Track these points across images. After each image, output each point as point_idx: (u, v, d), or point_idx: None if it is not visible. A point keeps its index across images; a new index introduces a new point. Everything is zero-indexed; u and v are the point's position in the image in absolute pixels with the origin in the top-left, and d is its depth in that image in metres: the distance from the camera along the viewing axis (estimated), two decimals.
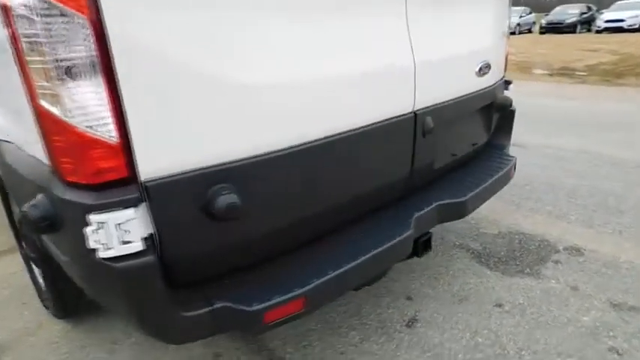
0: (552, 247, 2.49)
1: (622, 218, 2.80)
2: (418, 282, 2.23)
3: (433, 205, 1.72)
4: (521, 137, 4.43)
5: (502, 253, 2.45)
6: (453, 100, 1.78)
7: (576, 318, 1.93)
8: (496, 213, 2.92)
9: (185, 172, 1.07)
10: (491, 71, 1.98)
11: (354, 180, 1.47)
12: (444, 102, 1.73)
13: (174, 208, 1.09)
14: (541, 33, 21.46)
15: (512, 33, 21.75)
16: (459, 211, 1.80)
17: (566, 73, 9.15)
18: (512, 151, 2.28)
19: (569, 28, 20.52)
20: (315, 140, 1.28)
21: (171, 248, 1.12)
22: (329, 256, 1.37)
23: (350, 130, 1.37)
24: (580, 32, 20.50)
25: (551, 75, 9.14)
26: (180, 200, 1.09)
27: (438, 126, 1.71)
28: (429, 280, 2.24)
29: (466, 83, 1.86)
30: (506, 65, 2.31)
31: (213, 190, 1.11)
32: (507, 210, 2.96)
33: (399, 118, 1.54)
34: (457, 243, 2.58)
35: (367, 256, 1.38)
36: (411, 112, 1.58)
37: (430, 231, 1.78)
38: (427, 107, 1.65)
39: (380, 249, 1.42)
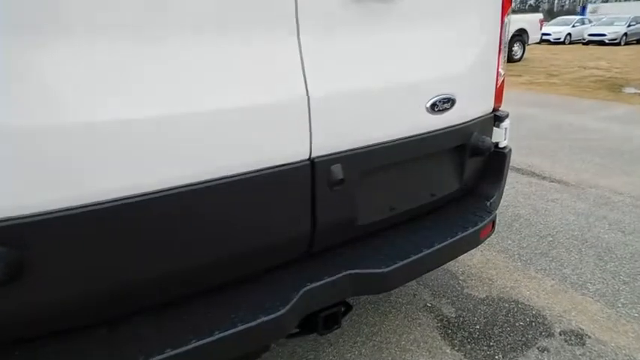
0: (546, 328, 1.97)
1: None
2: (357, 350, 1.86)
3: (340, 275, 1.37)
4: (565, 173, 3.76)
5: (477, 327, 1.99)
6: (385, 143, 1.42)
7: None
8: (495, 268, 2.42)
9: None
10: (457, 107, 1.57)
11: (202, 244, 1.17)
12: (367, 147, 1.37)
13: None
14: None
15: (617, 44, 19.42)
16: (376, 285, 1.43)
17: None
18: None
19: None
20: (127, 197, 1.02)
21: None
22: (142, 338, 1.10)
23: (188, 185, 1.08)
24: None
25: None
26: None
27: (358, 175, 1.37)
28: (372, 350, 1.86)
29: (408, 122, 1.47)
30: (499, 96, 1.85)
31: None
32: (510, 267, 2.44)
33: (283, 168, 1.22)
34: (429, 304, 2.15)
35: (195, 344, 1.09)
36: (305, 160, 1.26)
37: (348, 302, 1.45)
38: (334, 153, 1.31)
39: (222, 334, 1.12)
